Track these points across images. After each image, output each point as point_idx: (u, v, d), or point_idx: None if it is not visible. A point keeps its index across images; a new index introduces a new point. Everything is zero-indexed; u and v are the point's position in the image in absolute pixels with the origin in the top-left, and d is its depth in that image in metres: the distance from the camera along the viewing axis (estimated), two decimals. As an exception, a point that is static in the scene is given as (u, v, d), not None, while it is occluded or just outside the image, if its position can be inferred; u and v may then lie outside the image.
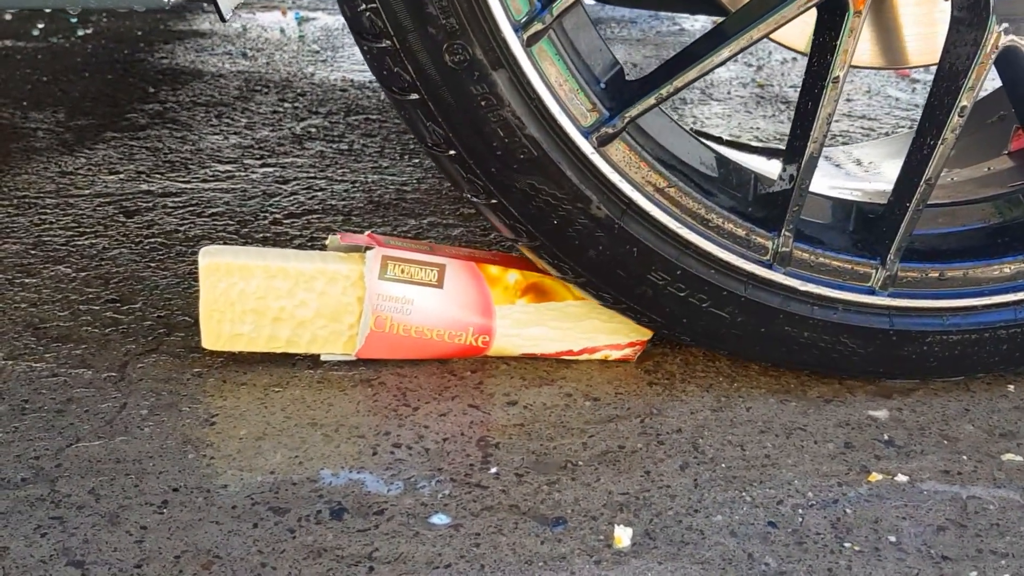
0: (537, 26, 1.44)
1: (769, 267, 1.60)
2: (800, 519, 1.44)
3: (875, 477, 1.52)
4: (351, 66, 3.31)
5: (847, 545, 1.39)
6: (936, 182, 1.58)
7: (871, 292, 1.63)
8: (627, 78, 1.55)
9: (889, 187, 1.64)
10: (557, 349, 1.74)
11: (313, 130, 2.73)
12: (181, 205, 2.30)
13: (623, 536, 1.39)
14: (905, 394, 1.71)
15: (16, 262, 2.02)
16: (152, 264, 2.03)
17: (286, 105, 2.94)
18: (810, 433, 1.61)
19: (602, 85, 1.52)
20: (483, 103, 1.46)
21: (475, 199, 1.55)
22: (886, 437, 1.61)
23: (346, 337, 1.69)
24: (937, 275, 1.65)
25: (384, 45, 1.43)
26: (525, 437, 1.58)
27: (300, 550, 1.35)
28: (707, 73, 1.51)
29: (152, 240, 2.13)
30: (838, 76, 1.51)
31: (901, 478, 1.52)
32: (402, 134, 2.71)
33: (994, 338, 1.66)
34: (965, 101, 1.52)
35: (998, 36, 1.49)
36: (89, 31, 3.64)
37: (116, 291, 1.93)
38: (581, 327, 1.73)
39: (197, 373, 1.69)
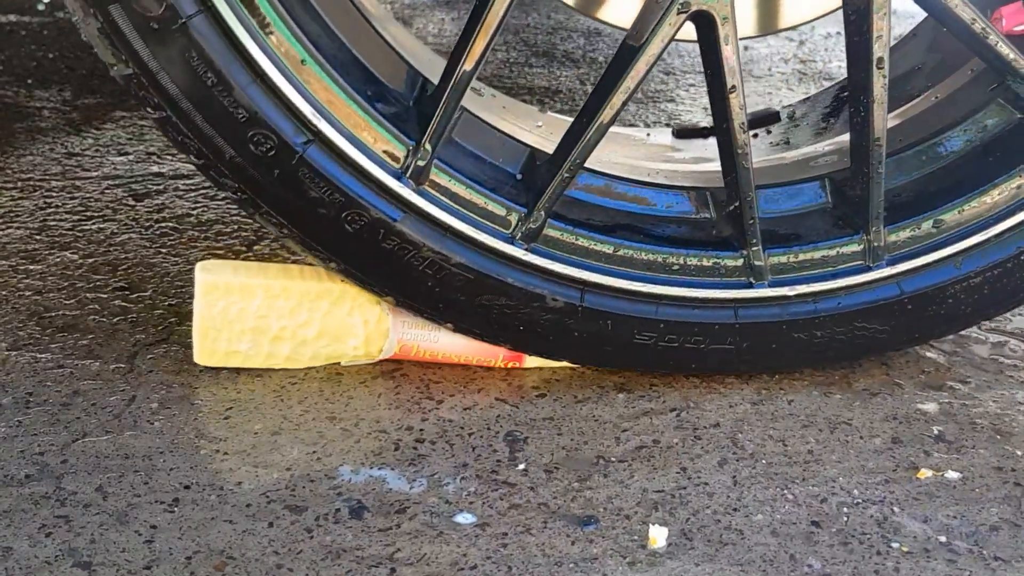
0: None
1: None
2: (845, 518, 1.43)
3: (924, 474, 1.51)
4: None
5: (895, 545, 1.38)
6: None
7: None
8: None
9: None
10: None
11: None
12: (193, 188, 2.30)
13: (658, 536, 1.38)
14: (956, 387, 1.70)
15: (20, 248, 2.02)
16: (163, 250, 2.03)
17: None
18: (855, 427, 1.60)
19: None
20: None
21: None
22: (936, 431, 1.60)
23: (350, 356, 1.69)
24: None
25: None
26: (555, 431, 1.57)
27: (318, 551, 1.35)
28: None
29: (163, 225, 2.13)
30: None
31: (952, 475, 1.51)
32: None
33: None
34: None
35: None
36: (97, 5, 3.64)
37: (125, 278, 1.93)
38: None
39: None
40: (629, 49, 1.53)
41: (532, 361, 1.70)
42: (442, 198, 1.56)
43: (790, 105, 1.93)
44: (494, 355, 1.69)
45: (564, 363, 1.70)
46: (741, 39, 1.54)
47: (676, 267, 1.62)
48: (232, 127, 1.48)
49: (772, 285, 1.62)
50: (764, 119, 1.91)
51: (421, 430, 1.57)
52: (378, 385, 1.66)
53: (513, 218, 1.58)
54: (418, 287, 1.60)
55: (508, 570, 1.33)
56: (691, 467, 1.51)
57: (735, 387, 1.68)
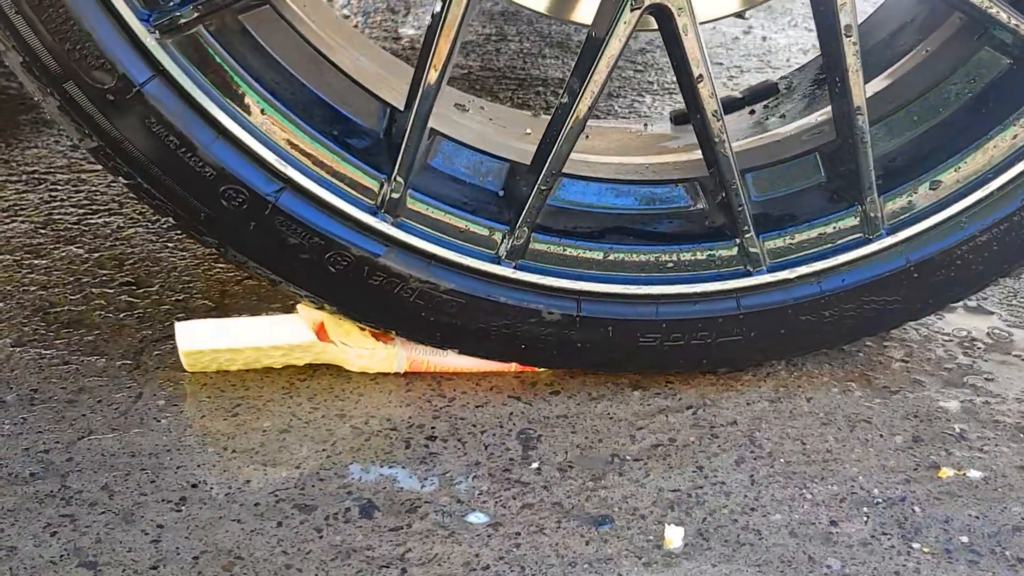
0: None
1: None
2: (865, 518, 1.42)
3: (946, 473, 1.51)
4: (381, 33, 3.30)
5: (916, 546, 1.38)
6: None
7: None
8: None
9: None
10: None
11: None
12: (201, 181, 2.30)
13: (674, 536, 1.38)
14: (978, 384, 1.69)
15: (25, 242, 2.02)
16: (170, 244, 2.03)
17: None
18: (876, 426, 1.59)
19: None
20: None
21: None
22: (957, 430, 1.59)
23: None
24: None
25: None
26: (569, 429, 1.57)
27: (327, 551, 1.35)
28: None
29: (170, 218, 2.13)
30: None
31: (974, 474, 1.51)
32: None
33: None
34: None
35: None
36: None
37: (131, 273, 1.93)
38: None
39: (217, 361, 1.69)
40: (591, 50, 1.52)
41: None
42: (422, 227, 1.56)
43: (787, 76, 1.91)
44: (507, 365, 1.68)
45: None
46: (702, 23, 1.53)
47: (670, 264, 1.61)
48: (202, 186, 1.50)
49: (771, 270, 1.61)
50: (763, 93, 1.89)
51: (433, 428, 1.57)
52: (389, 382, 1.65)
53: (497, 237, 1.58)
54: (413, 318, 1.61)
55: (521, 570, 1.33)
56: (708, 466, 1.51)
57: (752, 384, 1.68)
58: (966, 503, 1.46)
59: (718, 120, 1.53)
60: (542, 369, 1.69)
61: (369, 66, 1.65)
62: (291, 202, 1.51)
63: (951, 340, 1.80)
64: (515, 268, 1.58)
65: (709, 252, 1.61)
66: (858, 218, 1.61)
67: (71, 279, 1.90)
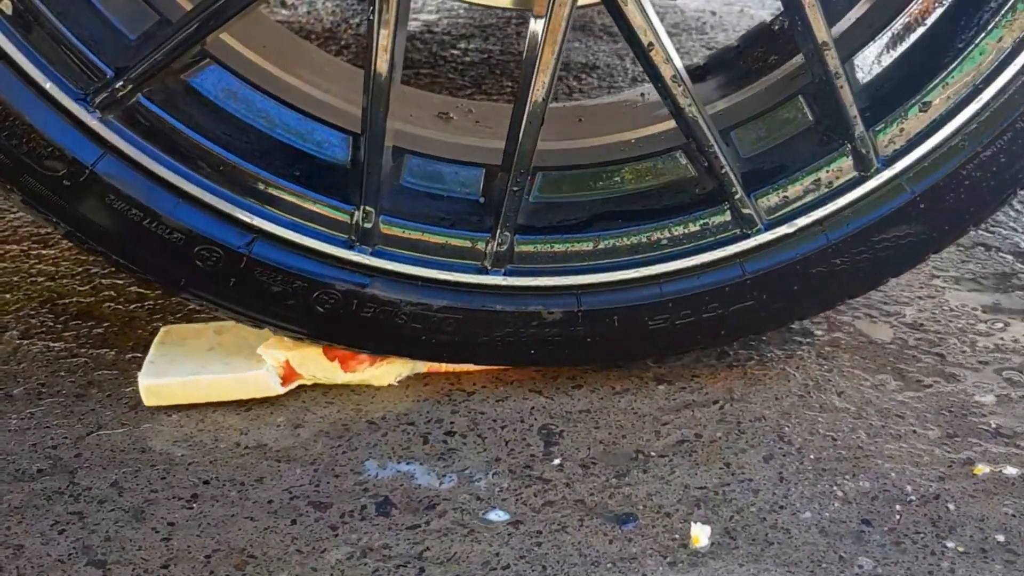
0: None
1: None
2: (897, 516, 1.42)
3: (981, 470, 1.50)
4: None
5: (950, 545, 1.38)
6: None
7: None
8: None
9: None
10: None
11: (357, 85, 2.72)
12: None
13: (700, 535, 1.38)
14: (1015, 377, 1.69)
15: (33, 231, 2.02)
16: (181, 234, 2.03)
17: (328, 58, 2.94)
18: (908, 420, 1.59)
19: None
20: None
21: None
22: (993, 425, 1.59)
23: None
24: None
25: None
26: (592, 425, 1.57)
27: (343, 549, 1.35)
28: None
29: (181, 207, 2.13)
30: None
31: (1010, 471, 1.50)
32: (456, 90, 2.70)
33: None
34: None
35: None
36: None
37: (142, 263, 1.93)
38: None
39: (230, 354, 1.69)
40: (534, 35, 1.51)
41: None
42: (402, 251, 1.55)
43: (780, 15, 1.88)
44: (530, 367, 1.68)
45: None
46: None
47: (664, 241, 1.60)
48: (175, 251, 1.51)
49: (770, 227, 1.59)
50: (758, 37, 1.87)
51: (451, 423, 1.57)
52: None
53: (481, 247, 1.57)
54: (415, 342, 1.60)
55: (543, 570, 1.32)
56: (735, 462, 1.51)
57: (781, 378, 1.67)
58: (1002, 501, 1.45)
59: (679, 85, 1.51)
60: (563, 363, 1.69)
61: (332, 89, 1.65)
62: (265, 251, 1.52)
63: (986, 334, 1.79)
64: (504, 275, 1.57)
65: (702, 222, 1.60)
66: (850, 156, 1.59)
67: (79, 270, 1.90)
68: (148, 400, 1.58)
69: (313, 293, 1.54)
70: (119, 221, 1.48)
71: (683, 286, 1.60)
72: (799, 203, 1.59)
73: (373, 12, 1.43)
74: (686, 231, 1.60)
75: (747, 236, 1.59)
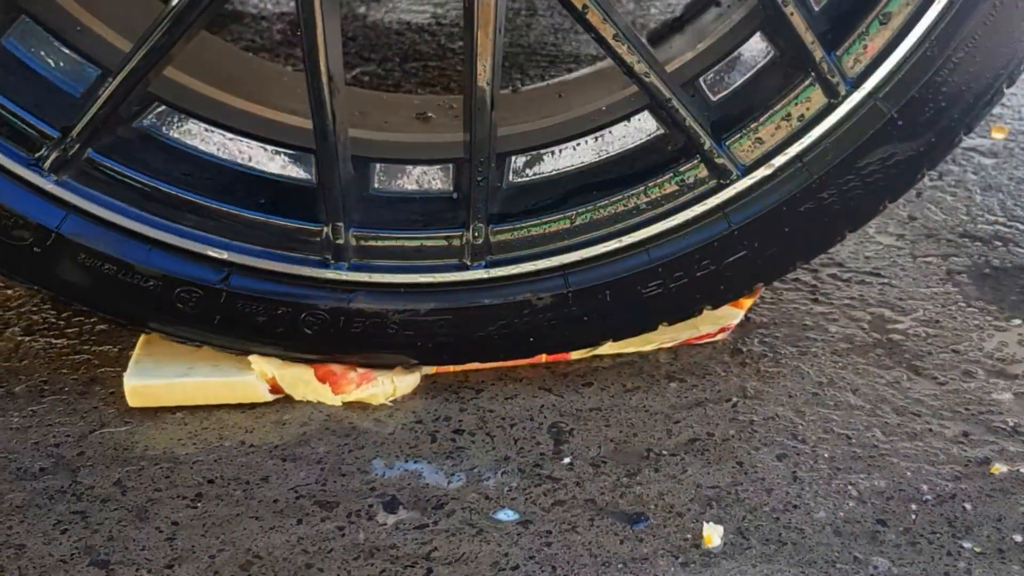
0: None
1: None
2: (913, 516, 1.42)
3: (998, 469, 1.50)
4: (408, 7, 3.30)
5: (966, 546, 1.37)
6: None
7: None
8: None
9: None
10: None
11: (366, 78, 2.72)
12: (217, 162, 2.30)
13: (713, 535, 1.37)
14: (1032, 374, 1.69)
15: (35, 226, 2.02)
16: (185, 228, 2.03)
17: (334, 50, 2.93)
18: (924, 418, 1.58)
19: None
20: None
21: None
22: (1011, 423, 1.58)
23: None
24: None
25: None
26: (602, 423, 1.57)
27: (350, 549, 1.35)
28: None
29: (185, 202, 2.13)
30: None
31: (1028, 470, 1.50)
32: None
33: None
34: None
35: None
36: (116, -31, 3.65)
37: (145, 259, 1.93)
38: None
39: (235, 350, 1.69)
40: (468, 17, 1.49)
41: (577, 352, 1.69)
42: (379, 261, 1.56)
43: None
44: (536, 357, 1.68)
45: (611, 351, 1.69)
46: None
47: (643, 205, 1.58)
48: (155, 298, 1.53)
49: (747, 173, 1.57)
50: None
51: (460, 421, 1.56)
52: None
53: (457, 243, 1.56)
54: (412, 348, 1.60)
55: (552, 570, 1.32)
56: (748, 461, 1.50)
57: (794, 375, 1.67)
58: (1019, 500, 1.45)
59: (622, 43, 1.49)
60: (574, 358, 1.68)
61: (287, 104, 1.64)
62: (243, 283, 1.53)
63: (1004, 330, 1.79)
64: (486, 267, 1.56)
65: (678, 179, 1.57)
66: (817, 85, 1.54)
67: (83, 265, 1.91)
68: (133, 401, 1.58)
69: (300, 316, 1.54)
70: (95, 277, 1.51)
71: (671, 248, 1.58)
72: (773, 142, 1.56)
73: (305, 31, 1.43)
74: (663, 192, 1.57)
75: (725, 185, 1.56)
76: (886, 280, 1.88)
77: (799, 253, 1.63)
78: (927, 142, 1.56)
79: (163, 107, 1.53)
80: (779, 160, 1.55)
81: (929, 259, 1.95)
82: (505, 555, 1.35)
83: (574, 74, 1.99)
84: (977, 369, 1.69)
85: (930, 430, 1.56)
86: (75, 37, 1.51)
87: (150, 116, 1.53)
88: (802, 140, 1.55)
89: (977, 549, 1.37)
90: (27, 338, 1.71)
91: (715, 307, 1.66)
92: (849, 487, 1.46)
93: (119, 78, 1.45)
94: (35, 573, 1.30)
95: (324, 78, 1.45)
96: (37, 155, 1.46)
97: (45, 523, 1.38)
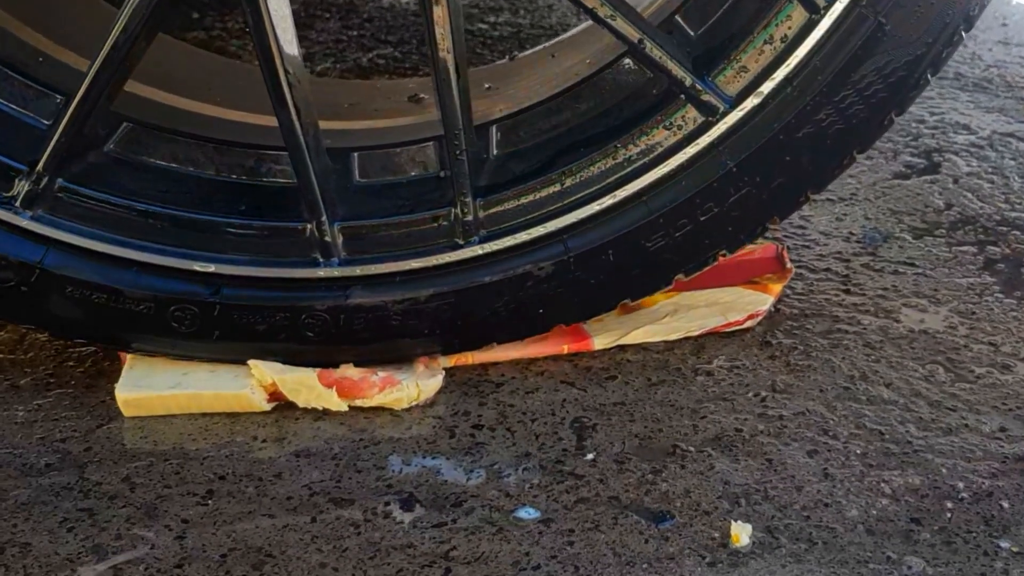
0: None
1: None
2: (948, 515, 1.41)
3: (1037, 466, 1.49)
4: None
5: (1003, 545, 1.37)
6: None
7: None
8: None
9: None
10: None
11: (382, 62, 2.72)
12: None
13: (741, 533, 1.37)
14: (1072, 368, 1.68)
15: (41, 215, 2.02)
16: (196, 217, 2.03)
17: (351, 33, 2.93)
18: (960, 413, 1.58)
19: None
20: None
21: None
22: (1050, 418, 1.58)
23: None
24: None
25: None
26: (627, 418, 1.56)
27: (365, 548, 1.35)
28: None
29: (196, 189, 2.13)
30: None
31: (1068, 467, 1.50)
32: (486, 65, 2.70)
33: None
34: None
35: None
36: (125, -50, 3.65)
37: (155, 248, 1.93)
38: (697, 312, 1.73)
39: (247, 343, 1.69)
40: None
41: (601, 343, 1.68)
42: (370, 252, 1.56)
43: None
44: (557, 348, 1.67)
45: (636, 341, 1.69)
46: None
47: (634, 155, 1.56)
48: (150, 322, 1.55)
49: (736, 105, 1.53)
50: None
51: (479, 415, 1.56)
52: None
53: (446, 223, 1.55)
54: (421, 337, 1.60)
55: (575, 570, 1.32)
56: (777, 458, 1.50)
57: (825, 368, 1.66)
58: (1059, 499, 1.45)
59: None
60: (597, 350, 1.68)
61: (253, 104, 1.65)
62: (235, 294, 1.54)
63: (1042, 320, 1.78)
64: (480, 242, 1.55)
65: (665, 124, 1.56)
66: (796, 1, 1.50)
67: (90, 255, 1.91)
68: (127, 411, 1.57)
69: (299, 319, 1.55)
70: (86, 308, 1.53)
71: (669, 196, 1.55)
72: (758, 68, 1.53)
73: (254, 26, 1.44)
74: (652, 140, 1.55)
75: (715, 122, 1.53)
76: (920, 270, 1.88)
77: (807, 181, 1.59)
78: (924, 43, 1.52)
79: (130, 126, 1.54)
80: (767, 87, 1.52)
81: (965, 248, 1.94)
82: (526, 554, 1.34)
83: (568, 33, 1.98)
84: (1015, 362, 1.68)
85: (966, 425, 1.56)
86: (36, 69, 1.53)
87: (118, 138, 1.54)
88: (788, 62, 1.51)
89: (1015, 549, 1.36)
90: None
91: (731, 251, 1.62)
92: (882, 484, 1.46)
93: (75, 99, 1.46)
94: (41, 572, 1.30)
95: (280, 72, 1.45)
96: (8, 193, 1.47)
97: (51, 521, 1.38)
